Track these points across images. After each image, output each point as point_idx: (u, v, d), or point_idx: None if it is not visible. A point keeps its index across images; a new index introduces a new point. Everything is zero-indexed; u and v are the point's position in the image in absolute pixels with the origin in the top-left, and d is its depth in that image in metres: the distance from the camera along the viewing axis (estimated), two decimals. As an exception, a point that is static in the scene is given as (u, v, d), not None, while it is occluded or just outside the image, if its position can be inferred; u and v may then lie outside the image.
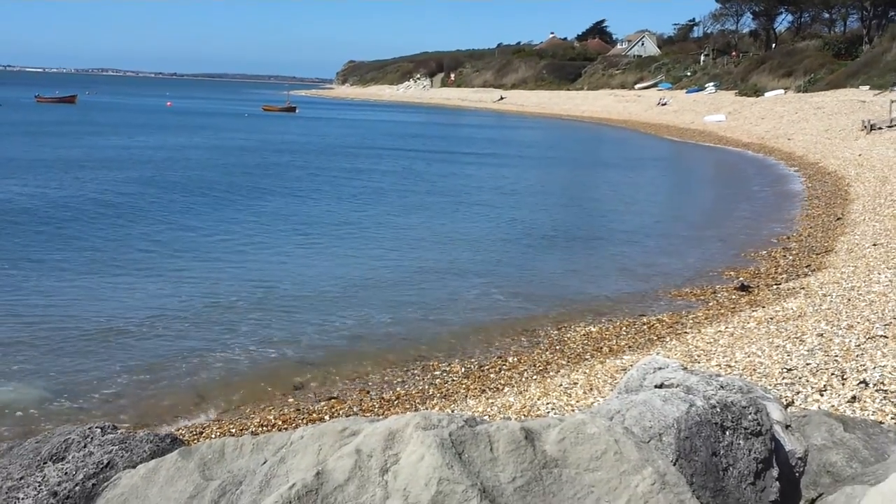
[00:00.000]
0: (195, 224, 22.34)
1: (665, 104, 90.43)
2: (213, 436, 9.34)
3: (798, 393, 8.75)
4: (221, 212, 24.59)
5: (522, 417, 9.17)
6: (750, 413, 4.46)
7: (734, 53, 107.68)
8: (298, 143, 52.46)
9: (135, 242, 19.58)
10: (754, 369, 9.94)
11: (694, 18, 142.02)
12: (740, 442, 4.38)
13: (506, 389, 10.80)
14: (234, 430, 9.62)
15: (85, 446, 4.84)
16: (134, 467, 4.35)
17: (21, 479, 4.60)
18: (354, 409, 10.43)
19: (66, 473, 4.51)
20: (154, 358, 12.01)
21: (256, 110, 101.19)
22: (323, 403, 10.66)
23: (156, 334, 12.96)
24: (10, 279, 15.74)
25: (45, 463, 4.77)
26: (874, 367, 9.12)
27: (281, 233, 21.81)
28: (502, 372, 11.82)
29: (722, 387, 4.73)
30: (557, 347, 12.91)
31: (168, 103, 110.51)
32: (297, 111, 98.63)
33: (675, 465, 4.03)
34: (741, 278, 17.01)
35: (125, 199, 26.13)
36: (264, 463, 3.91)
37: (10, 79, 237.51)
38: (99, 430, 5.00)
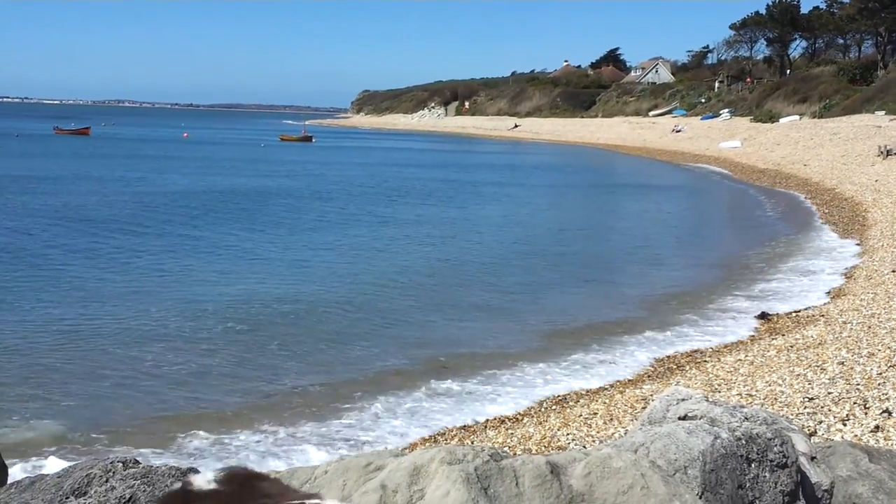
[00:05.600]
0: (216, 244, 22.43)
1: (680, 131, 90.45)
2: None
3: (820, 422, 8.69)
4: (245, 236, 24.66)
5: (542, 448, 9.13)
6: (775, 445, 4.43)
7: (748, 80, 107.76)
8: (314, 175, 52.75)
9: (143, 266, 19.67)
10: (776, 398, 9.88)
11: (708, 45, 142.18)
12: (766, 474, 4.35)
13: (525, 420, 10.76)
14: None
15: (107, 481, 4.83)
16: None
17: (44, 513, 4.60)
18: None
19: (88, 508, 4.50)
20: (173, 391, 12.01)
21: (273, 140, 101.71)
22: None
23: (173, 366, 12.96)
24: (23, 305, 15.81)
25: (67, 498, 4.76)
26: (897, 396, 9.06)
27: (306, 256, 21.88)
28: (521, 402, 11.78)
29: (746, 418, 4.70)
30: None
31: (185, 134, 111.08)
32: (313, 140, 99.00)
33: (701, 498, 4.00)
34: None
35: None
36: (288, 498, 3.89)
37: (27, 111, 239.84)
38: (121, 464, 4.99)
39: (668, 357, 13.59)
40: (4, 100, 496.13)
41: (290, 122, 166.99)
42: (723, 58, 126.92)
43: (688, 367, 12.73)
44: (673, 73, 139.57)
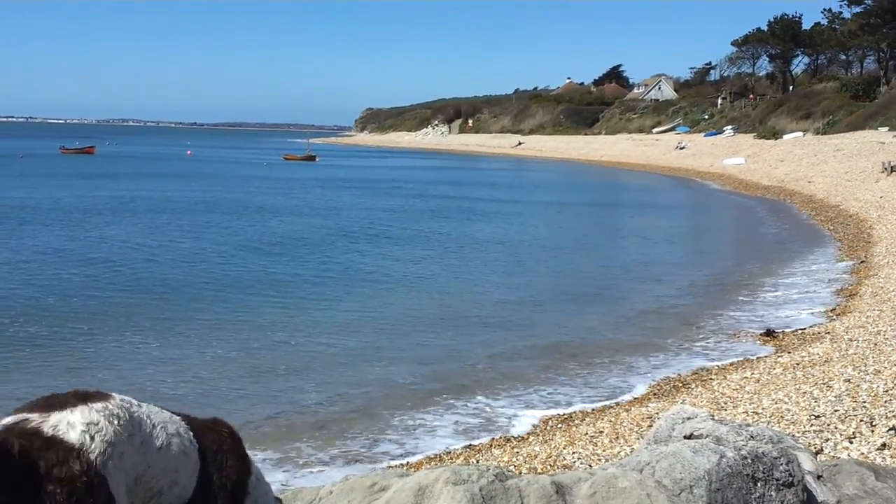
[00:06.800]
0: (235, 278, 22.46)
1: (684, 148, 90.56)
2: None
3: (827, 440, 8.65)
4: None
5: (548, 467, 9.10)
6: (781, 464, 4.42)
7: (751, 96, 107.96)
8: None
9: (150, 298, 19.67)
10: (782, 416, 9.84)
11: (710, 62, 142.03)
12: (772, 493, 4.34)
13: (531, 438, 10.73)
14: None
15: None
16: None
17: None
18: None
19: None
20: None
21: (276, 159, 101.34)
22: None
23: (175, 390, 12.95)
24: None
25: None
26: (903, 413, 9.02)
27: (308, 279, 21.87)
28: (526, 420, 11.76)
29: (752, 437, 4.69)
30: (581, 395, 12.84)
31: (188, 152, 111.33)
32: (317, 160, 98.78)
33: (707, 518, 3.98)
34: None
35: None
36: (293, 519, 3.88)
37: (32, 130, 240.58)
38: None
39: (674, 375, 13.56)
40: (10, 119, 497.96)
41: (297, 140, 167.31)
42: (725, 74, 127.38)
43: (693, 385, 12.70)
44: (676, 90, 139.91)
